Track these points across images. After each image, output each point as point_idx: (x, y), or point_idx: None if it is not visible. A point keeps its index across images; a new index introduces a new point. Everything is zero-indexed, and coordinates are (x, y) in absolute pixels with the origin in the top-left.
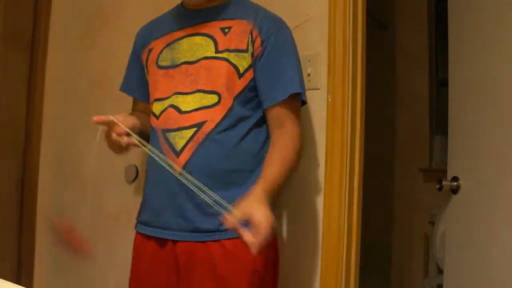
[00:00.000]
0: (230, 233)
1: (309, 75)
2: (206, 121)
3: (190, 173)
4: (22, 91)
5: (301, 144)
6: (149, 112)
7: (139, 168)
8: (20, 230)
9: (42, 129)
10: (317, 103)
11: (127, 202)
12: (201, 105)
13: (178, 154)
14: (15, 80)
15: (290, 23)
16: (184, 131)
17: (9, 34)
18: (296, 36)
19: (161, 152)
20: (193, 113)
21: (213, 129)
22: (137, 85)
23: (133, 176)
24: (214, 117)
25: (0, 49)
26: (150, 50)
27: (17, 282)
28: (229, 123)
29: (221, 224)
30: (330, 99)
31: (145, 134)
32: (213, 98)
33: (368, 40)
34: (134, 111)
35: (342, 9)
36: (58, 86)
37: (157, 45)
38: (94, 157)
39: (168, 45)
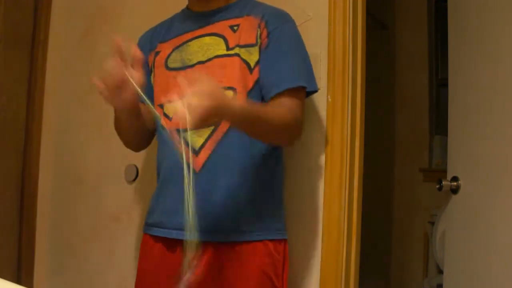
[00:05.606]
0: (243, 236)
1: None
2: None
3: (210, 169)
4: (22, 91)
5: (296, 126)
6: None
7: (139, 168)
8: (20, 230)
9: (42, 129)
10: (317, 103)
11: (127, 202)
12: None
13: (197, 152)
14: (15, 80)
15: None
16: (202, 130)
17: (9, 34)
18: None
19: (177, 150)
20: None
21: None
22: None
23: (133, 176)
24: None
25: (0, 49)
26: (157, 53)
27: (17, 282)
28: None
29: (236, 226)
30: (330, 99)
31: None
32: (229, 94)
33: (368, 40)
34: None
35: (342, 9)
36: (58, 86)
37: (164, 48)
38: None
39: (176, 47)
